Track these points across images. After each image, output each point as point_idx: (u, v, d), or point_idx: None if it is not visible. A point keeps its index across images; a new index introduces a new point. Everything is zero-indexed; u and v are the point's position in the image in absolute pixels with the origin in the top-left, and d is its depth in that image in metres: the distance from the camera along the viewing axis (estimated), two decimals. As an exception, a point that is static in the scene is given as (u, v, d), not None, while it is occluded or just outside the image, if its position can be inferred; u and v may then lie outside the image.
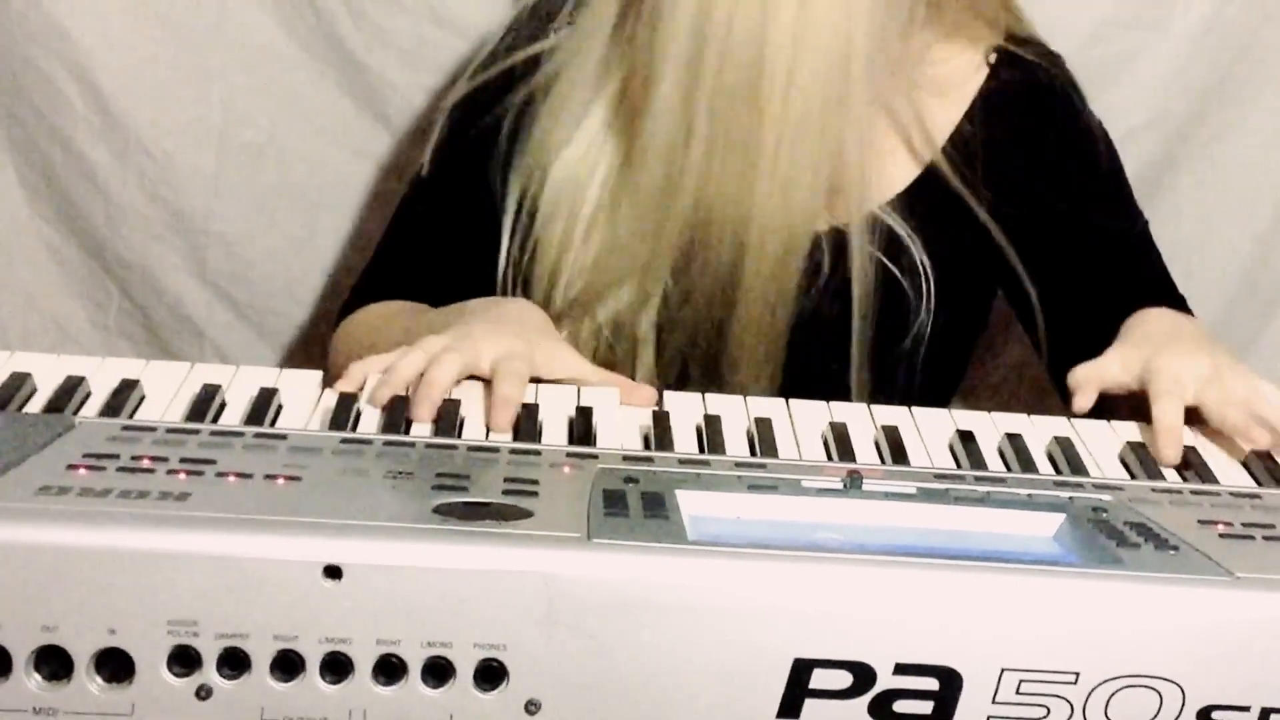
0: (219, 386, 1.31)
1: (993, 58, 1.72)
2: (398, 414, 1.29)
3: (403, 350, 1.37)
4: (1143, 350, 1.45)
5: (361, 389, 1.33)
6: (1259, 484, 1.31)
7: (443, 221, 1.74)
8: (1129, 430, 1.40)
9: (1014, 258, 1.69)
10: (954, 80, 1.70)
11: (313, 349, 2.06)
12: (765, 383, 1.64)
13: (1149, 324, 1.54)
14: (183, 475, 1.06)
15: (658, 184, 1.57)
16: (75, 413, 1.24)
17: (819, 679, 0.99)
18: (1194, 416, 1.39)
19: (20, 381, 1.27)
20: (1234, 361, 1.45)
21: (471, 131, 1.71)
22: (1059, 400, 1.58)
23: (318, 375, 1.37)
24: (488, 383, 1.35)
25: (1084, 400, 1.42)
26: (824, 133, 1.54)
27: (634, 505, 1.07)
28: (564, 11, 1.69)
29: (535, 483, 1.11)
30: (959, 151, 1.68)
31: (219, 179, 2.00)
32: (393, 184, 2.02)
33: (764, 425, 1.33)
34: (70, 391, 1.27)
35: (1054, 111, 1.73)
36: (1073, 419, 1.41)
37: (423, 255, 1.74)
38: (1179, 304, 1.74)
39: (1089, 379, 1.44)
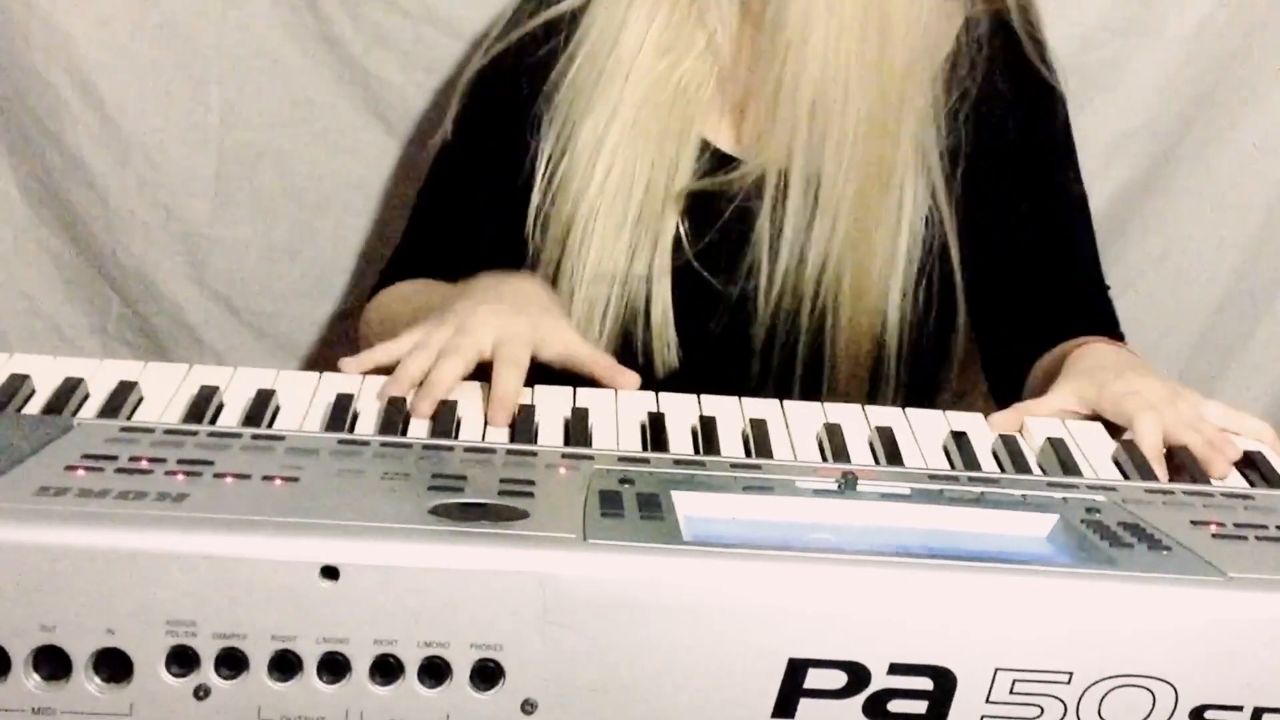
0: (216, 388, 1.31)
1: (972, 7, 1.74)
2: (394, 415, 1.30)
3: (409, 343, 1.39)
4: (1096, 378, 1.47)
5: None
6: (1251, 485, 1.31)
7: (471, 189, 1.77)
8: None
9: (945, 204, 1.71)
10: (937, 24, 1.71)
11: (311, 352, 2.07)
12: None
13: (1096, 357, 1.55)
14: (180, 476, 1.06)
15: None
16: (74, 414, 1.24)
17: (814, 679, 0.99)
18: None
19: (19, 383, 1.28)
20: (1180, 385, 1.47)
21: (495, 96, 1.75)
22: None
23: (315, 377, 1.37)
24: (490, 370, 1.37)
25: (1006, 421, 1.42)
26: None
27: (630, 506, 1.08)
28: None
29: (531, 483, 1.11)
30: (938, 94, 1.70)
31: (218, 183, 2.00)
32: (393, 186, 2.02)
33: (759, 426, 1.33)
34: (69, 393, 1.27)
35: (1024, 60, 1.74)
36: (1066, 421, 1.42)
37: (452, 227, 1.78)
38: (1098, 273, 1.78)
39: (1026, 409, 1.45)
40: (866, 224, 1.65)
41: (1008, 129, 1.72)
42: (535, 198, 1.71)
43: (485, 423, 1.32)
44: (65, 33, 1.91)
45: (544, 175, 1.70)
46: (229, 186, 2.01)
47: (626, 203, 1.67)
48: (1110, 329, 1.74)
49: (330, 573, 0.97)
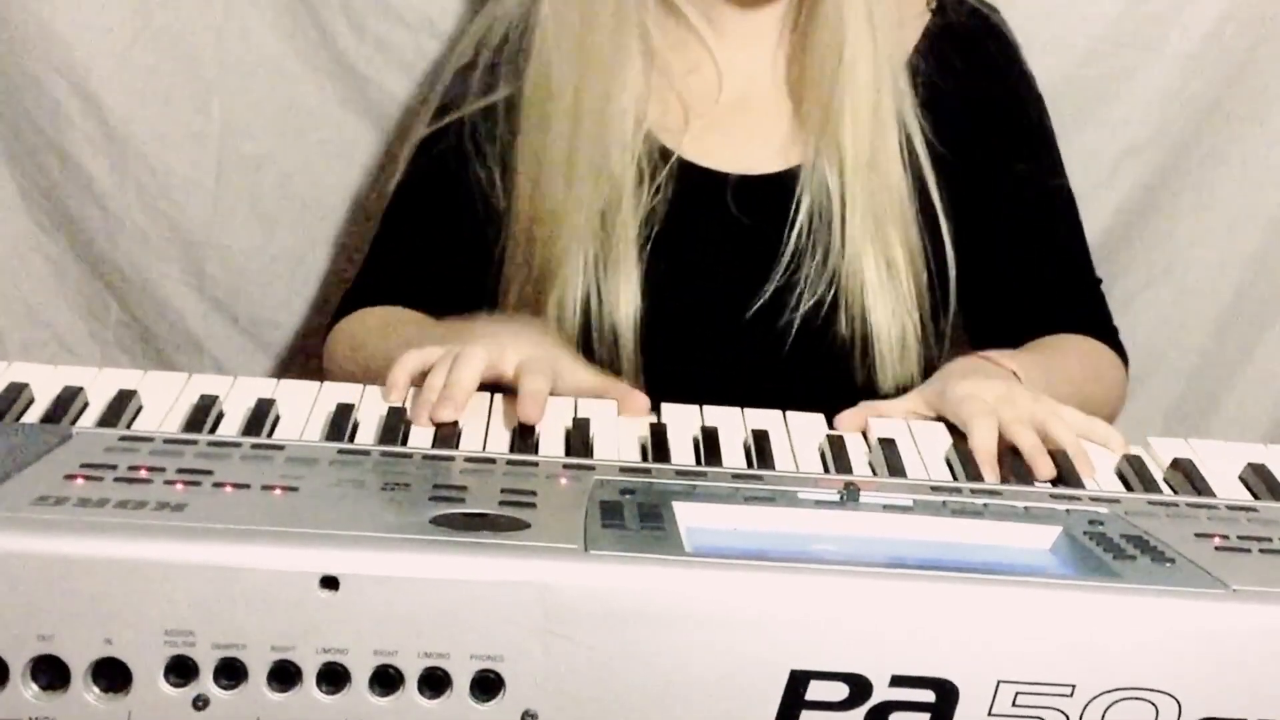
0: (216, 397, 1.31)
1: (934, 3, 1.74)
2: (395, 424, 1.30)
3: (437, 358, 1.38)
4: (939, 383, 1.49)
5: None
6: (1255, 497, 1.31)
7: (431, 225, 1.76)
8: (1128, 444, 1.41)
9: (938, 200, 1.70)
10: (903, 20, 1.72)
11: (311, 362, 2.06)
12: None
13: (957, 365, 1.57)
14: (180, 485, 1.06)
15: None
16: (73, 423, 1.24)
17: (815, 690, 0.99)
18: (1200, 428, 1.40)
19: (18, 391, 1.28)
20: (1034, 391, 1.47)
21: (445, 162, 1.74)
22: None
23: (315, 386, 1.37)
24: (500, 390, 1.37)
25: (850, 421, 1.43)
26: None
27: (631, 517, 1.07)
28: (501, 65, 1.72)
29: (533, 494, 1.10)
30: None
31: (218, 192, 2.00)
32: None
33: (761, 437, 1.33)
34: (68, 401, 1.27)
35: (991, 58, 1.75)
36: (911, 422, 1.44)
37: (415, 259, 1.76)
38: (1091, 280, 1.79)
39: (872, 408, 1.46)
40: (871, 229, 1.65)
41: (975, 124, 1.73)
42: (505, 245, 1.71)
43: (488, 431, 1.32)
44: (65, 40, 1.90)
45: (510, 222, 1.71)
46: (229, 195, 2.00)
47: (603, 233, 1.66)
48: (1097, 322, 1.76)
49: (330, 583, 0.96)
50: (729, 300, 1.67)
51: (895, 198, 1.66)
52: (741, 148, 1.71)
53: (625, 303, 1.65)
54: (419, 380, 1.37)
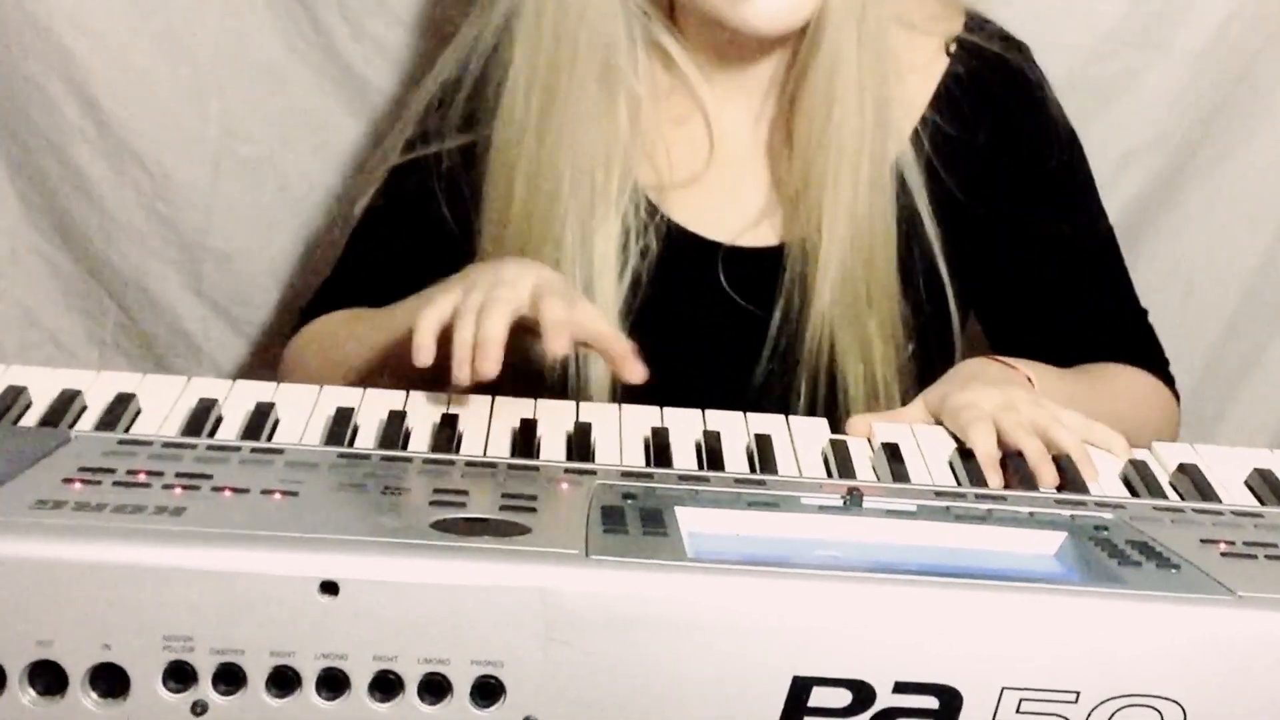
0: (215, 400, 1.31)
1: (953, 48, 1.69)
2: (395, 428, 1.29)
3: (448, 305, 1.35)
4: (943, 389, 1.48)
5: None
6: (1261, 503, 1.31)
7: (397, 252, 1.71)
8: (1131, 449, 1.40)
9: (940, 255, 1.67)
10: (914, 69, 1.67)
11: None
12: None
13: (955, 370, 1.56)
14: (179, 490, 1.06)
15: None
16: (71, 426, 1.24)
17: (818, 697, 0.99)
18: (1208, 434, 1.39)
19: (16, 394, 1.27)
20: (1037, 395, 1.47)
21: (411, 188, 1.71)
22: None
23: (315, 389, 1.36)
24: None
25: (858, 426, 1.43)
26: None
27: (633, 522, 1.07)
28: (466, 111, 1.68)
29: (534, 498, 1.10)
30: (920, 144, 1.67)
31: (216, 194, 1.99)
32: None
33: (764, 442, 1.33)
34: (66, 405, 1.27)
35: (1013, 107, 1.70)
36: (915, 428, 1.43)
37: (379, 278, 1.70)
38: (1134, 311, 1.76)
39: (878, 418, 1.46)
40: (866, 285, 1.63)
41: (1001, 178, 1.69)
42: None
43: (489, 435, 1.31)
44: (63, 42, 1.90)
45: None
46: (227, 197, 2.00)
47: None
48: (1145, 353, 1.73)
49: (330, 588, 0.96)
50: (716, 380, 1.62)
51: (885, 271, 1.63)
52: (729, 213, 1.68)
53: (602, 373, 1.60)
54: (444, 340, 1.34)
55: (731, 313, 1.66)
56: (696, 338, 1.66)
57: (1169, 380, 1.75)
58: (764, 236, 1.67)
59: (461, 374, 1.30)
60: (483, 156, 1.65)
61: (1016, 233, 1.70)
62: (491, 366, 1.30)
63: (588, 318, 1.38)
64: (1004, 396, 1.42)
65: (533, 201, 1.61)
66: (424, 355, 1.33)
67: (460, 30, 1.70)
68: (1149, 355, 1.74)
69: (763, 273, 1.65)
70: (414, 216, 1.70)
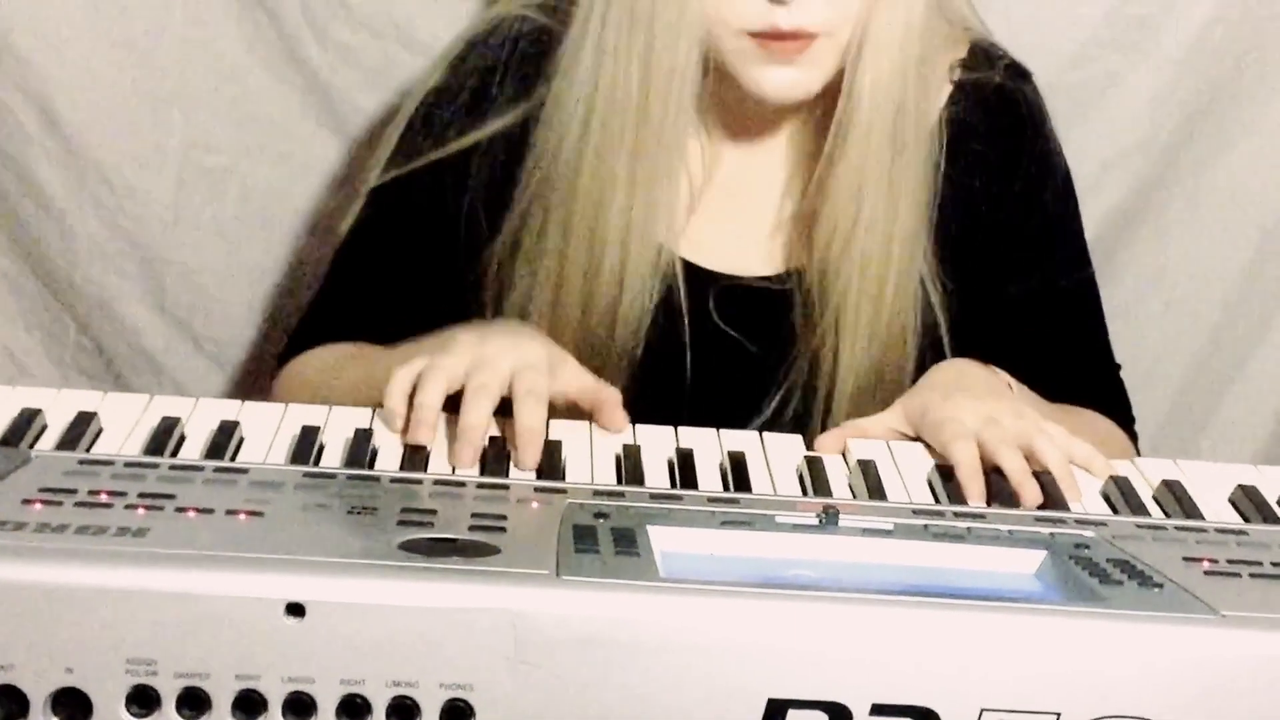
0: (178, 419, 1.30)
1: (956, 74, 1.68)
2: (362, 447, 1.28)
3: (413, 372, 1.35)
4: (924, 398, 1.46)
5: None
6: (1245, 520, 1.30)
7: (393, 269, 1.69)
8: (1112, 466, 1.40)
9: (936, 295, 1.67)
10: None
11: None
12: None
13: (939, 374, 1.54)
14: (141, 510, 1.05)
15: None
16: (31, 446, 1.23)
17: (794, 719, 0.98)
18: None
19: (-27, 414, 1.26)
20: (1020, 405, 1.46)
21: (422, 204, 1.68)
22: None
23: (280, 407, 1.36)
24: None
25: (830, 444, 1.41)
26: None
27: (604, 541, 1.06)
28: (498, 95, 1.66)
29: (503, 518, 1.09)
30: None
31: (178, 207, 1.98)
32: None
33: (738, 459, 1.32)
34: (26, 424, 1.26)
35: (1010, 150, 1.68)
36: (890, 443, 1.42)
37: (373, 296, 1.69)
38: (1107, 364, 1.75)
39: (854, 427, 1.45)
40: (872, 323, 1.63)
41: (989, 221, 1.68)
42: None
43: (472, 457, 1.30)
44: (22, 53, 1.89)
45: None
46: (190, 210, 1.99)
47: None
48: (1113, 405, 1.72)
49: (296, 610, 0.95)
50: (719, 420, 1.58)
51: (894, 311, 1.63)
52: (736, 248, 1.67)
53: None
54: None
55: (736, 353, 1.66)
56: (701, 379, 1.66)
57: (1133, 436, 1.74)
58: (772, 270, 1.67)
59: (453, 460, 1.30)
60: (519, 141, 1.64)
61: (1000, 279, 1.69)
62: (473, 455, 1.29)
63: (568, 385, 1.39)
64: (987, 410, 1.41)
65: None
66: (399, 424, 1.33)
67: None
68: (1117, 407, 1.73)
69: (773, 308, 1.65)
70: (409, 235, 1.68)
